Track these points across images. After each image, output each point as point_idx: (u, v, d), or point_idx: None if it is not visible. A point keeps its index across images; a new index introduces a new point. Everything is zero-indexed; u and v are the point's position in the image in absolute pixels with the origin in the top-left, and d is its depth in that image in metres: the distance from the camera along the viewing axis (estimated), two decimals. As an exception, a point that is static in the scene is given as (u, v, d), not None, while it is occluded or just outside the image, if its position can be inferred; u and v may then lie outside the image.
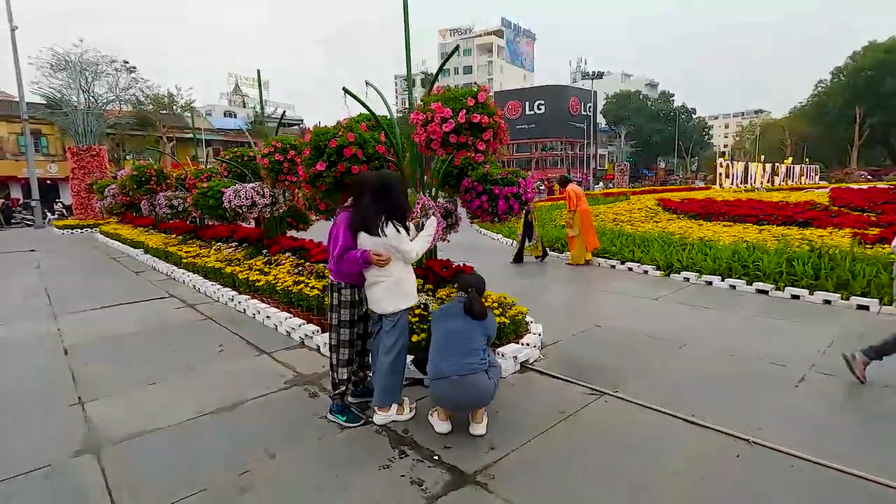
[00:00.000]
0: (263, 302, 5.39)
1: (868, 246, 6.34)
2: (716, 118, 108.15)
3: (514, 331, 3.89)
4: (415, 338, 3.31)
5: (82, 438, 2.85)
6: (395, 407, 2.93)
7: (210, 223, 9.54)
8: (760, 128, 61.97)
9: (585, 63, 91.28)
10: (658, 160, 70.91)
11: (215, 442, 2.77)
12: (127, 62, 24.51)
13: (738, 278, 5.99)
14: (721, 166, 17.35)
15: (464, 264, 4.31)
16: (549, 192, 24.15)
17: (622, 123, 59.89)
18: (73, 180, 19.59)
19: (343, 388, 2.96)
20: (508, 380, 3.45)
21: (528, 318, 4.22)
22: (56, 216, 22.87)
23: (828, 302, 5.20)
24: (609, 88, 74.74)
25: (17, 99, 21.23)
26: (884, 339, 3.14)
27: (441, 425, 2.77)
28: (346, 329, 2.93)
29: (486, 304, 3.68)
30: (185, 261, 7.77)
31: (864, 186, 16.77)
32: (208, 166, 9.50)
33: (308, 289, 4.77)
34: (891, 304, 4.82)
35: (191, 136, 35.68)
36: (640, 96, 71.52)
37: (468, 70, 74.63)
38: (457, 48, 3.55)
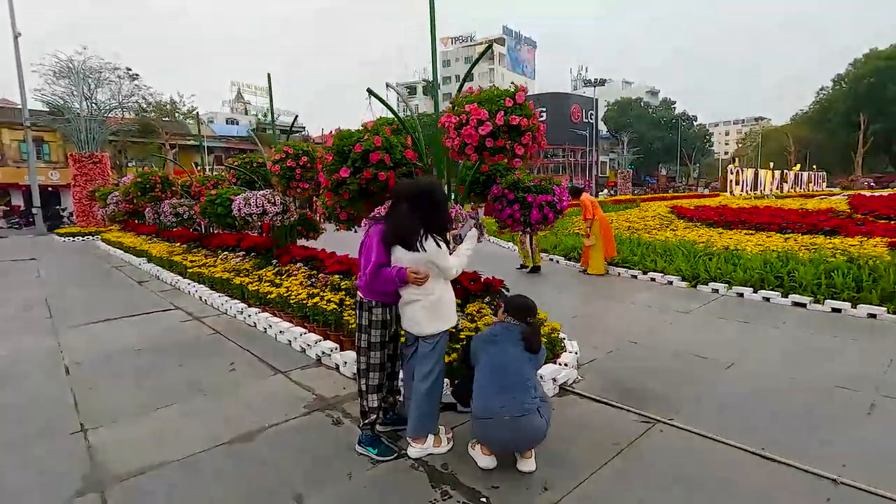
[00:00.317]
0: (276, 315, 5.11)
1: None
2: (716, 125, 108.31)
3: (550, 349, 3.61)
4: (445, 358, 3.03)
5: (85, 474, 2.57)
6: (431, 438, 2.65)
7: (216, 231, 9.29)
8: (762, 135, 61.91)
9: (586, 70, 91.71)
10: (659, 167, 70.84)
11: (233, 480, 2.48)
12: (130, 69, 24.45)
13: (772, 290, 5.71)
14: (731, 173, 17.12)
15: (492, 277, 4.04)
16: None
17: (624, 130, 59.91)
18: (75, 187, 19.36)
19: (373, 416, 2.68)
20: (549, 405, 3.16)
21: (560, 335, 3.95)
22: (55, 223, 22.62)
23: (872, 316, 4.92)
24: (610, 96, 74.85)
25: (19, 106, 21.08)
26: None
27: (485, 460, 2.49)
28: (377, 352, 2.66)
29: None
30: (190, 271, 7.50)
31: (877, 193, 16.51)
32: (214, 173, 9.26)
33: (324, 302, 4.50)
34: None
35: (193, 143, 35.73)
36: (641, 104, 71.61)
37: (469, 77, 74.61)
38: (490, 47, 3.33)
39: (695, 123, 73.20)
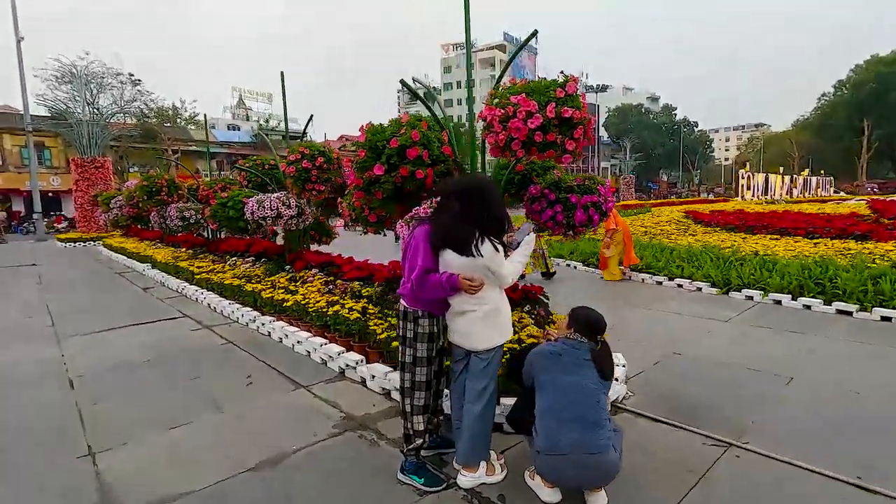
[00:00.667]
0: (292, 324, 4.83)
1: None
2: (716, 131, 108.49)
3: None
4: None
5: (95, 507, 2.28)
6: (483, 465, 2.36)
7: (224, 236, 9.02)
8: (764, 140, 61.91)
9: (587, 77, 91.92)
10: (661, 173, 70.77)
11: (264, 514, 2.19)
12: (132, 74, 24.33)
13: (812, 297, 5.43)
14: (742, 178, 16.90)
15: (531, 284, 3.76)
16: None
17: (625, 136, 59.85)
18: (77, 192, 19.13)
19: (419, 441, 2.39)
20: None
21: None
22: (56, 229, 22.33)
23: (927, 324, 4.65)
24: (610, 102, 74.92)
25: (21, 111, 20.90)
26: None
27: (548, 493, 2.19)
28: (424, 367, 2.37)
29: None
30: (197, 277, 7.22)
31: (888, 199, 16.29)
32: (222, 176, 9.00)
33: (346, 311, 4.21)
34: None
35: (194, 148, 35.56)
36: (642, 109, 71.69)
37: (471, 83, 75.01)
38: (535, 33, 3.05)
39: (696, 129, 73.26)
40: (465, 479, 2.32)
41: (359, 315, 4.12)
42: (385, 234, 4.03)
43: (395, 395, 3.36)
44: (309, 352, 4.34)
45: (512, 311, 3.50)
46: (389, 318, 3.89)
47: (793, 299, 5.55)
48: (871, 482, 2.25)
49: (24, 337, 5.26)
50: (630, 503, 2.17)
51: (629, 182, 43.02)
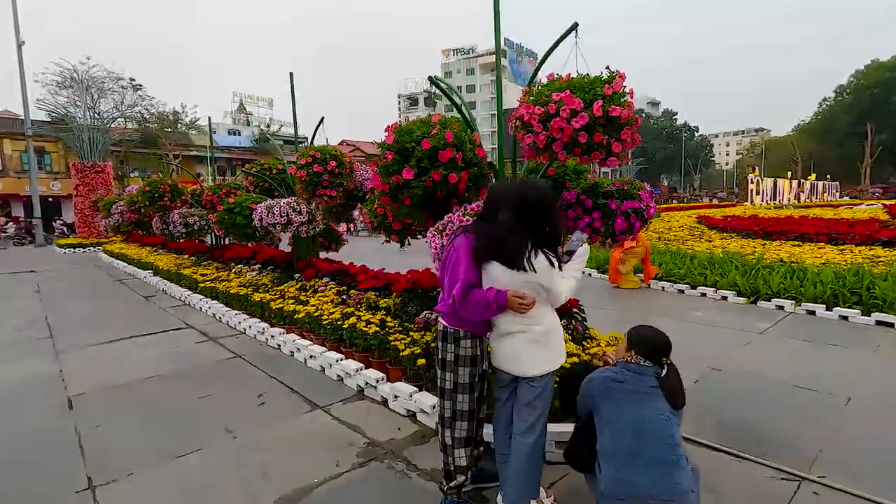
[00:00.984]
0: (304, 337, 4.57)
1: None
2: (716, 136, 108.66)
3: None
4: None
5: (96, 555, 2.01)
6: (532, 504, 2.10)
7: (226, 243, 8.77)
8: (766, 145, 61.87)
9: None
10: (661, 177, 70.72)
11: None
12: (133, 79, 24.17)
13: (849, 307, 5.18)
14: (752, 182, 16.70)
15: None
16: None
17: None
18: (77, 197, 18.88)
19: (461, 478, 2.13)
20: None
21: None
22: (58, 234, 22.07)
23: (977, 337, 4.39)
24: (611, 107, 74.92)
25: (21, 116, 20.70)
26: None
27: (612, 540, 1.92)
28: (466, 395, 2.12)
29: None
30: (202, 285, 6.96)
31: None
32: (227, 181, 8.76)
33: (363, 324, 3.96)
34: None
35: (195, 153, 35.38)
36: (642, 114, 71.77)
37: (471, 89, 75.04)
38: (575, 26, 2.81)
39: (696, 134, 73.29)
40: (514, 521, 2.06)
41: (377, 328, 3.86)
42: (410, 244, 3.78)
43: (422, 418, 3.10)
44: (323, 367, 4.08)
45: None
46: (411, 333, 3.64)
47: (827, 309, 5.30)
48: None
49: (19, 351, 4.99)
50: (705, 551, 1.91)
51: (632, 187, 42.74)
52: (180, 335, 5.46)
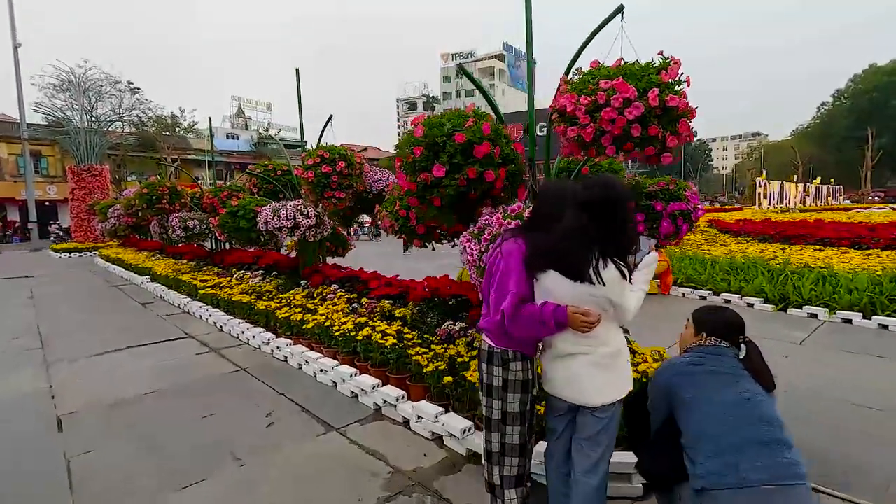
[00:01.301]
0: (313, 349, 4.26)
1: None
2: (714, 140, 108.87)
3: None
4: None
5: None
6: (595, 553, 1.80)
7: (229, 247, 8.46)
8: (765, 149, 61.93)
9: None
10: (661, 182, 70.71)
11: None
12: (132, 83, 23.91)
13: (888, 316, 4.90)
14: (760, 186, 16.50)
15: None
16: None
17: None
18: (73, 201, 18.56)
19: (512, 523, 1.83)
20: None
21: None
22: (53, 239, 21.70)
23: None
24: (611, 111, 75.00)
25: (17, 120, 20.38)
26: None
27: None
28: (517, 426, 1.83)
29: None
30: (201, 292, 6.65)
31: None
32: (228, 184, 8.47)
33: (379, 335, 3.66)
34: None
35: (193, 157, 35.04)
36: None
37: (470, 93, 75.04)
38: (621, 8, 2.54)
39: (695, 138, 73.44)
40: (576, 574, 1.76)
41: (395, 341, 3.56)
42: (434, 249, 3.49)
43: (450, 442, 2.80)
44: (335, 382, 3.78)
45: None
46: (433, 346, 3.34)
47: (864, 318, 5.02)
48: None
49: (6, 362, 4.68)
50: None
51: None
52: (179, 346, 5.15)
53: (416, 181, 2.48)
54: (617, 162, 3.42)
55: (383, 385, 3.41)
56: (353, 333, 3.86)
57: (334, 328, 4.05)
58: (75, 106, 19.36)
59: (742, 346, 1.74)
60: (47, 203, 28.50)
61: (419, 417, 2.99)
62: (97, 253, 14.78)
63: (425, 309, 3.86)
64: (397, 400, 3.20)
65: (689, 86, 2.39)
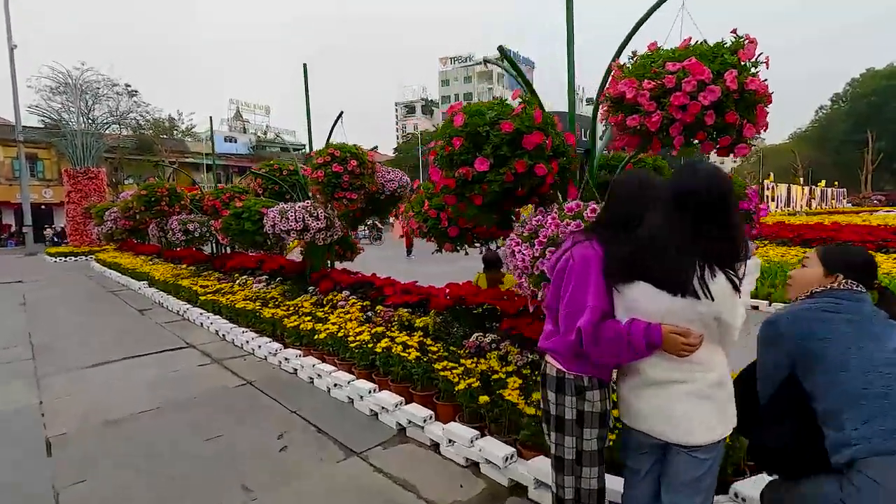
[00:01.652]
0: (325, 361, 3.95)
1: None
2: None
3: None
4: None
5: None
6: None
7: (228, 251, 8.14)
8: (764, 152, 61.99)
9: (583, 90, 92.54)
10: (660, 185, 70.81)
11: None
12: (129, 85, 23.62)
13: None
14: (767, 189, 16.31)
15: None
16: None
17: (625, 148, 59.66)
18: (69, 204, 18.21)
19: (590, 583, 1.52)
20: None
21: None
22: (48, 242, 21.33)
23: None
24: (609, 115, 75.13)
25: (12, 123, 20.02)
26: None
27: None
28: (595, 467, 1.53)
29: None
30: (202, 298, 6.33)
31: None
32: (230, 185, 8.16)
33: (399, 347, 3.35)
34: None
35: (191, 160, 34.71)
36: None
37: (468, 97, 75.12)
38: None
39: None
40: None
41: (418, 354, 3.26)
42: (467, 252, 3.19)
43: (487, 470, 2.49)
44: (352, 399, 3.46)
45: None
46: (462, 360, 3.04)
47: (908, 325, 4.73)
48: None
49: (-5, 376, 4.35)
50: None
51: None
52: (179, 356, 4.83)
53: (454, 176, 2.18)
54: (661, 159, 3.14)
55: (406, 403, 3.10)
56: (370, 345, 3.56)
57: (349, 339, 3.74)
58: (72, 108, 19.07)
59: (875, 291, 1.47)
60: (43, 206, 28.11)
61: (451, 441, 2.68)
62: (93, 257, 14.43)
63: (449, 318, 3.56)
64: (424, 420, 2.89)
65: (767, 67, 2.10)
